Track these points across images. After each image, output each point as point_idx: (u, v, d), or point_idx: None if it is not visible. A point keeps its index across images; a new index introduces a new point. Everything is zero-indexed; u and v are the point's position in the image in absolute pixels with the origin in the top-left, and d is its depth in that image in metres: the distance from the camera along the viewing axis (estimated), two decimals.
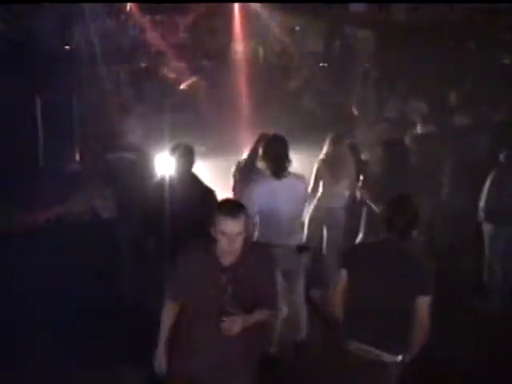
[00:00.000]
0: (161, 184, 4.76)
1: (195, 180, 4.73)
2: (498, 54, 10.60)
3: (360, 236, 5.30)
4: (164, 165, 6.79)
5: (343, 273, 3.39)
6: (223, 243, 3.05)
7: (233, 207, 3.10)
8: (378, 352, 3.23)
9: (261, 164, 4.68)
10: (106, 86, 8.92)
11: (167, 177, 4.79)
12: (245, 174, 5.26)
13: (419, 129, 6.68)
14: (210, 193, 4.69)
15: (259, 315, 3.20)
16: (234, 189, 5.40)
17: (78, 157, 9.05)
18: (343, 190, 5.60)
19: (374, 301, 3.21)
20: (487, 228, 5.59)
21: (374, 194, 5.09)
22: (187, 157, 4.72)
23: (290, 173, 4.57)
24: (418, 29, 10.55)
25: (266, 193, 4.49)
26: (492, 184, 5.45)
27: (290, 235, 4.59)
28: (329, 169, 5.58)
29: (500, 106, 7.59)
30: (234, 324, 3.05)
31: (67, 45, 10.42)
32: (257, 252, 3.29)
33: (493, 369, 4.58)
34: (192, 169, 4.76)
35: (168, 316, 3.38)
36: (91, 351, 4.70)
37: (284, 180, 4.50)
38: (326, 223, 5.71)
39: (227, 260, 3.15)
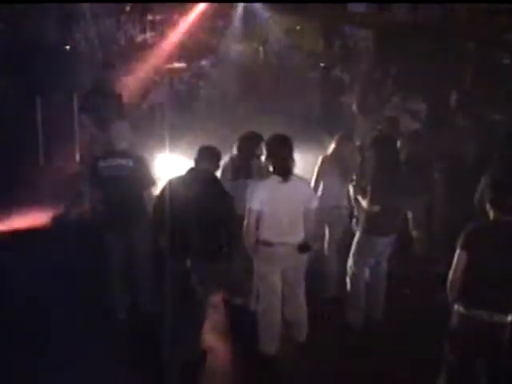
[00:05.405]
0: (176, 186, 4.71)
1: (217, 183, 4.72)
2: (498, 53, 10.59)
3: (358, 232, 5.28)
4: (165, 166, 6.82)
5: (464, 255, 3.71)
6: None
7: None
8: (501, 315, 3.70)
9: (265, 163, 4.68)
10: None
11: (183, 178, 4.77)
12: (239, 173, 5.28)
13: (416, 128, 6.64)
14: (227, 198, 4.70)
15: None
16: None
17: (78, 157, 9.07)
18: (346, 189, 5.61)
19: (497, 274, 3.66)
20: None
21: (364, 191, 5.12)
22: (213, 160, 4.75)
23: (293, 174, 4.58)
24: (418, 29, 10.55)
25: (270, 193, 4.51)
26: (486, 183, 5.44)
27: (291, 234, 4.60)
28: (334, 168, 5.57)
29: (499, 105, 7.60)
30: None
31: (67, 45, 10.42)
32: None
33: None
34: (216, 172, 4.78)
35: None
36: (91, 351, 4.69)
37: (287, 180, 4.52)
38: (328, 222, 5.70)
39: None
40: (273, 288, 4.67)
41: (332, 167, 5.57)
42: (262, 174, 5.06)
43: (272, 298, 4.67)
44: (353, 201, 5.46)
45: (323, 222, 5.59)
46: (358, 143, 6.15)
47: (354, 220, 5.44)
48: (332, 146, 5.68)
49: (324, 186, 5.55)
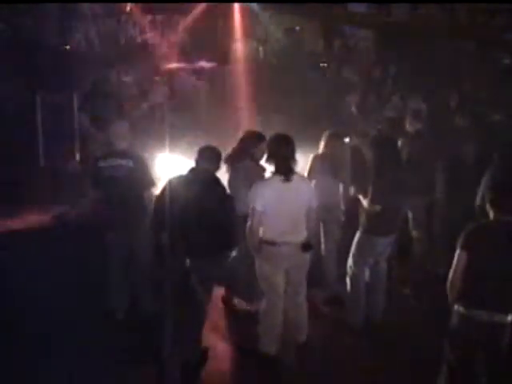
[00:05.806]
0: (176, 186, 4.71)
1: (217, 184, 4.73)
2: (498, 53, 10.60)
3: (358, 232, 5.28)
4: (165, 166, 6.81)
5: (464, 255, 3.72)
6: None
7: None
8: (501, 315, 3.71)
9: (267, 163, 4.70)
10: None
11: (183, 178, 4.77)
12: (239, 172, 5.29)
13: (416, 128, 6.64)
14: (228, 198, 4.71)
15: None
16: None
17: (78, 157, 9.06)
18: (337, 187, 5.63)
19: (497, 274, 3.67)
20: None
21: (364, 189, 5.13)
22: (214, 160, 4.75)
23: (295, 173, 4.59)
24: (418, 29, 10.55)
25: (273, 192, 4.53)
26: (486, 183, 5.46)
27: (295, 234, 4.61)
28: (325, 165, 5.60)
29: (499, 105, 7.61)
30: None
31: (67, 45, 10.41)
32: None
33: None
34: (216, 172, 4.79)
35: None
36: (92, 352, 4.69)
37: (290, 180, 4.53)
38: (322, 220, 5.71)
39: None
40: (275, 288, 4.67)
41: (322, 166, 5.60)
42: (251, 176, 5.05)
43: (274, 299, 4.67)
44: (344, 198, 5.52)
45: (318, 221, 5.61)
46: (357, 143, 6.16)
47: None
48: (322, 145, 5.71)
49: (315, 184, 5.56)
